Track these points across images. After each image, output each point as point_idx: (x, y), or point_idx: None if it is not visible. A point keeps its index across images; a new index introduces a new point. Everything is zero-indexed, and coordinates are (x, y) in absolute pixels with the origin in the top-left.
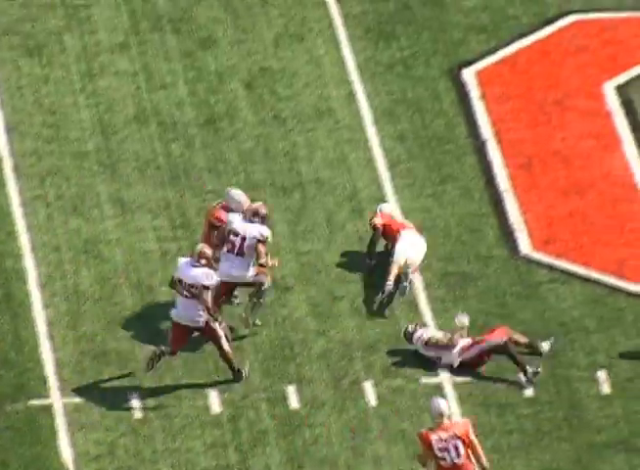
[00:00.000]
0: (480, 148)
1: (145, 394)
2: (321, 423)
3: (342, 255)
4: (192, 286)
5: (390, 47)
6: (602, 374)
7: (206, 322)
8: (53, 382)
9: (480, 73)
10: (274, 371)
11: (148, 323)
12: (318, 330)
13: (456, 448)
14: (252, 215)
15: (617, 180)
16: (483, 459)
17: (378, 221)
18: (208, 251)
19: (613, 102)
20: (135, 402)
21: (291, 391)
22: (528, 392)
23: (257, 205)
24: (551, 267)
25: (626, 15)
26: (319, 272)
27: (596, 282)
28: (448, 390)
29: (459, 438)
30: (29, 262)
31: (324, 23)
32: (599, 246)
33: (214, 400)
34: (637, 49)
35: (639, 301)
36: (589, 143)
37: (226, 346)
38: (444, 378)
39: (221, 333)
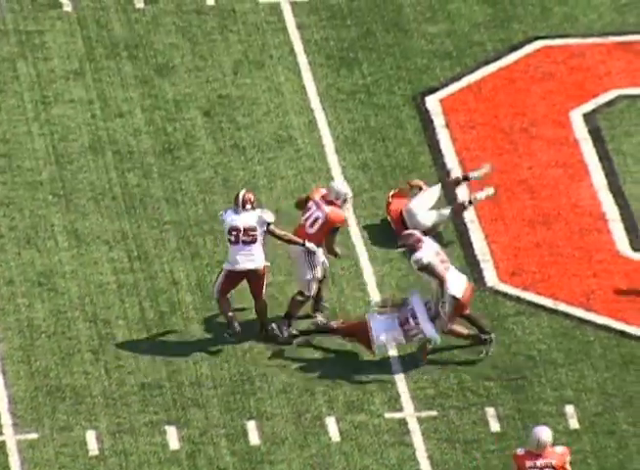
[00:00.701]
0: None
1: (101, 430)
2: (282, 460)
3: None
4: (252, 229)
5: (353, 74)
6: (570, 409)
7: (263, 267)
8: (6, 418)
9: (444, 101)
10: (234, 406)
11: (104, 358)
12: (279, 364)
13: None
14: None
15: (585, 210)
16: None
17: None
18: (251, 194)
19: (580, 130)
20: (91, 439)
21: (251, 426)
22: (495, 427)
23: None
24: (518, 299)
25: (593, 41)
26: (280, 305)
27: (564, 314)
28: (413, 425)
29: (554, 468)
30: None
31: (284, 50)
32: (566, 277)
33: (172, 437)
34: (605, 76)
35: (607, 333)
36: (556, 172)
37: (264, 299)
38: (409, 413)
39: (265, 283)
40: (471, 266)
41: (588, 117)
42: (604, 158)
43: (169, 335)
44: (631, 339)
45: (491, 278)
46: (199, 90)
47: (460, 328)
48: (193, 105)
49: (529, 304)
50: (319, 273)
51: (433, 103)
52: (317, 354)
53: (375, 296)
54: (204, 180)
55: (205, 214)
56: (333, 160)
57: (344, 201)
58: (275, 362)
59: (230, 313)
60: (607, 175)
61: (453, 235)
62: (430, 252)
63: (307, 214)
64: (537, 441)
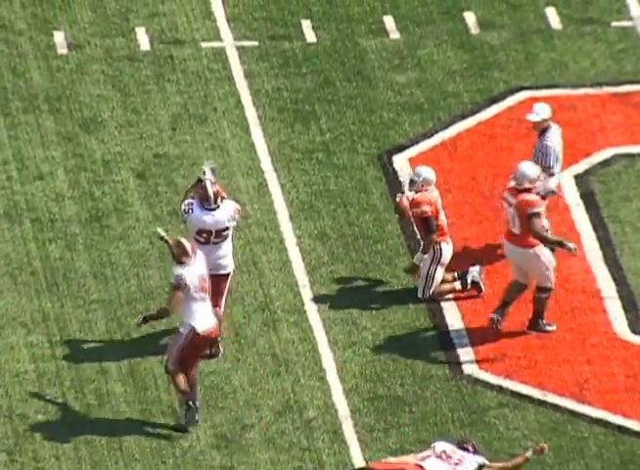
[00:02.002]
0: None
1: None
2: None
3: (253, 375)
4: (224, 230)
5: (309, 130)
6: None
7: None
8: None
9: (414, 160)
10: None
11: (20, 459)
12: (224, 465)
13: None
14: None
15: (577, 286)
16: None
17: (428, 209)
18: (217, 186)
19: (571, 194)
20: None
21: None
22: None
23: None
24: (500, 389)
25: (585, 92)
26: (225, 396)
27: (553, 407)
28: None
29: None
30: None
31: (230, 102)
32: (556, 364)
33: None
34: (599, 132)
35: (604, 429)
36: None
37: (223, 301)
38: None
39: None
40: (446, 351)
41: (580, 180)
42: (598, 226)
43: (97, 431)
44: (631, 435)
45: (469, 365)
46: (131, 148)
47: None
48: (124, 165)
49: (513, 394)
50: (553, 261)
51: (401, 162)
52: (268, 454)
53: (335, 386)
54: (137, 252)
55: (138, 292)
56: (287, 228)
57: (537, 179)
58: (219, 463)
59: None
60: (602, 246)
61: (425, 315)
62: (194, 275)
63: (507, 217)
64: None
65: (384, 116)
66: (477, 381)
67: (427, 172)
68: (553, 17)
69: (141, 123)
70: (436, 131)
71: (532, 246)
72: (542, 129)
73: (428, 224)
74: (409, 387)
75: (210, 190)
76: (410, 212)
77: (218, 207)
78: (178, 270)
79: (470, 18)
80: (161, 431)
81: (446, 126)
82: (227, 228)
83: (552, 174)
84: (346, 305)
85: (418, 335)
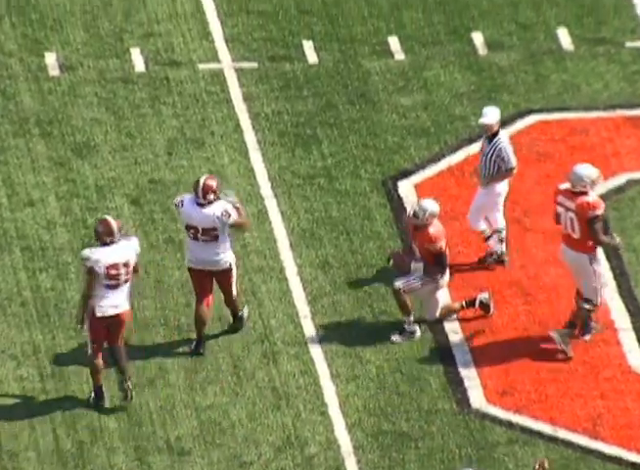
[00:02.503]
0: None
1: None
2: None
3: (252, 409)
4: (212, 229)
5: (310, 155)
6: None
7: (230, 265)
8: None
9: (420, 186)
10: None
11: None
12: None
13: None
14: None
15: None
16: None
17: (443, 245)
18: (212, 182)
19: None
20: None
21: None
22: None
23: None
24: (509, 425)
25: (598, 115)
26: (223, 432)
27: (565, 443)
28: None
29: None
30: None
31: (229, 126)
32: (568, 398)
33: None
34: (612, 157)
35: (618, 466)
36: (555, 271)
37: (235, 290)
38: None
39: (235, 276)
40: (453, 385)
41: None
42: (612, 255)
43: (90, 468)
44: None
45: (477, 399)
46: (125, 174)
47: None
48: (118, 191)
49: (523, 430)
50: (604, 279)
51: (406, 188)
52: None
53: (338, 421)
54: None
55: (133, 322)
56: (287, 257)
57: (593, 183)
58: None
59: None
60: (616, 276)
61: (431, 347)
62: (104, 260)
63: (562, 222)
64: None
65: (388, 140)
66: (485, 416)
67: (432, 206)
68: (564, 37)
69: (136, 148)
70: (443, 156)
71: (590, 251)
72: (493, 133)
73: (441, 260)
74: (415, 422)
75: (201, 184)
76: (424, 248)
77: (207, 204)
78: (84, 253)
79: (478, 38)
80: (157, 467)
81: (453, 151)
82: (215, 229)
83: (512, 175)
84: (349, 337)
85: (423, 368)
